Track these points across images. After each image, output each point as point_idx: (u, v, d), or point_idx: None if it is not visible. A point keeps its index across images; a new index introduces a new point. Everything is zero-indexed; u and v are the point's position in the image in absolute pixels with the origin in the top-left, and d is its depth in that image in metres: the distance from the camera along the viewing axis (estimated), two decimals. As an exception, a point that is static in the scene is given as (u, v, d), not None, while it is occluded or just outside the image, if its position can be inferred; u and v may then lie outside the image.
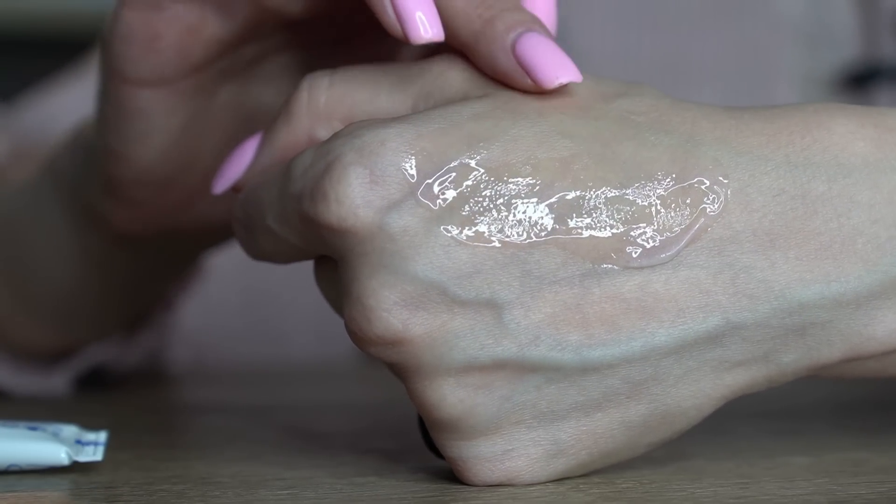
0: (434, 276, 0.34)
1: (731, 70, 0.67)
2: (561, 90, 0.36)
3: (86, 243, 0.51)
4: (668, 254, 0.35)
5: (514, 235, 0.35)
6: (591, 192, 0.35)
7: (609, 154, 0.35)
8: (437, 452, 0.37)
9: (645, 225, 0.35)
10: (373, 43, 0.42)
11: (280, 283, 0.71)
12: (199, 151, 0.45)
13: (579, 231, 0.35)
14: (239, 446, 0.44)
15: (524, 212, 0.35)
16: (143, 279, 0.54)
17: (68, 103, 0.65)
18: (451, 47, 0.38)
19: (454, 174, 0.35)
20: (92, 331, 0.56)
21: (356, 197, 0.34)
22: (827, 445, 0.42)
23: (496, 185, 0.35)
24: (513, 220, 0.35)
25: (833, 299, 0.36)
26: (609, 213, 0.35)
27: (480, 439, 0.36)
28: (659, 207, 0.35)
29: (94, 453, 0.40)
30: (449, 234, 0.34)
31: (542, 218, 0.35)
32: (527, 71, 0.36)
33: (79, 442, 0.40)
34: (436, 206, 0.34)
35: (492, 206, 0.35)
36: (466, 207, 0.34)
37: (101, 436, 0.41)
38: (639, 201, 0.35)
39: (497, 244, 0.35)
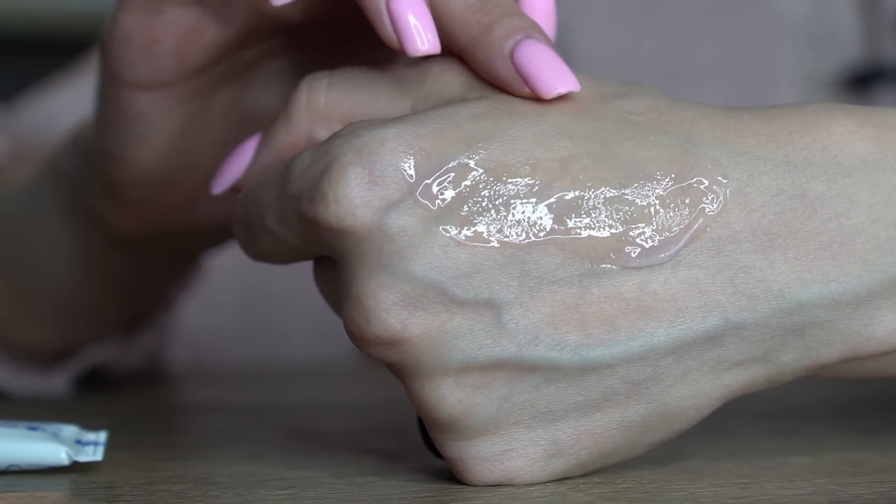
0: (433, 276, 0.34)
1: (732, 71, 0.67)
2: None
3: (85, 244, 0.51)
4: (666, 254, 0.35)
5: (513, 235, 0.35)
6: (590, 193, 0.35)
7: (608, 154, 0.35)
8: (437, 452, 0.37)
9: (644, 225, 0.35)
10: (370, 46, 0.42)
11: (280, 283, 0.71)
12: (197, 153, 0.45)
13: (578, 231, 0.35)
14: (239, 446, 0.44)
15: (523, 212, 0.35)
16: (143, 280, 0.54)
17: (67, 103, 0.65)
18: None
19: (453, 174, 0.35)
20: (91, 331, 0.56)
21: (355, 197, 0.34)
22: (827, 445, 0.42)
23: (495, 185, 0.35)
24: (511, 221, 0.35)
25: (832, 299, 0.36)
26: (608, 213, 0.35)
27: (479, 439, 0.36)
28: (658, 207, 0.35)
29: (94, 453, 0.40)
30: (448, 235, 0.34)
31: (540, 218, 0.35)
32: (525, 80, 0.36)
33: (79, 442, 0.40)
34: (434, 206, 0.34)
35: (490, 206, 0.35)
36: (465, 207, 0.34)
37: (101, 436, 0.41)
38: (638, 201, 0.35)
39: (496, 244, 0.35)
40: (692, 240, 0.35)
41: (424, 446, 0.38)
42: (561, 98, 0.36)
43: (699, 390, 0.36)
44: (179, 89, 0.42)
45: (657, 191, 0.35)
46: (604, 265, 0.35)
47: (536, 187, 0.35)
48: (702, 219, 0.35)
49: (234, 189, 0.40)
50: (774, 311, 0.35)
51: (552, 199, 0.35)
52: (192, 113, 0.44)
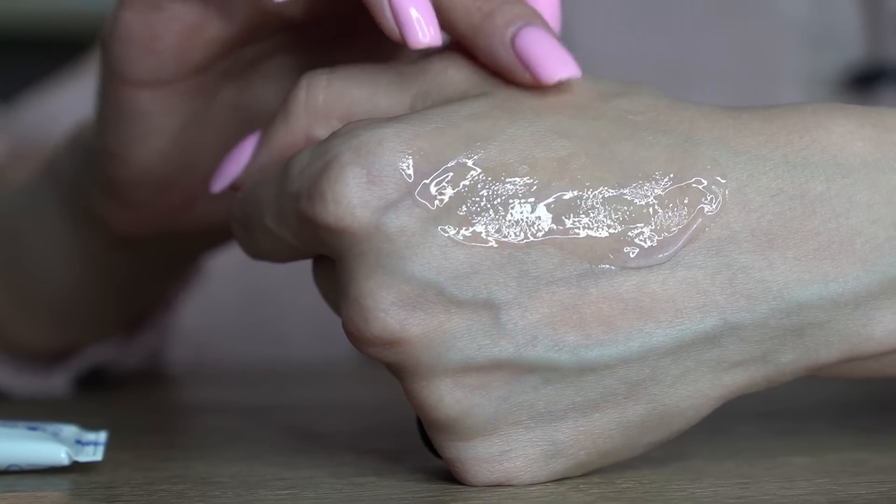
0: (431, 276, 0.34)
1: (734, 71, 0.67)
2: (559, 88, 0.36)
3: (84, 244, 0.51)
4: (665, 254, 0.35)
5: (512, 235, 0.35)
6: (589, 192, 0.35)
7: (606, 154, 0.35)
8: (436, 453, 0.37)
9: (642, 225, 0.35)
10: (373, 44, 0.42)
11: (280, 282, 0.71)
12: (198, 153, 0.45)
13: (576, 231, 0.35)
14: (239, 446, 0.44)
15: (521, 212, 0.35)
16: (143, 280, 0.54)
17: (68, 103, 0.65)
18: (450, 46, 0.38)
19: (451, 174, 0.35)
20: (91, 331, 0.56)
21: (353, 197, 0.34)
22: (827, 445, 0.42)
23: (493, 184, 0.35)
24: (510, 220, 0.35)
25: (831, 299, 0.35)
26: (606, 213, 0.35)
27: (478, 440, 0.36)
28: (657, 207, 0.35)
29: (94, 453, 0.40)
30: (446, 235, 0.34)
31: (539, 218, 0.35)
32: (526, 66, 0.36)
33: (79, 442, 0.40)
34: (433, 206, 0.34)
35: (489, 206, 0.35)
36: (463, 207, 0.34)
37: (101, 436, 0.41)
38: (636, 201, 0.35)
39: (494, 244, 0.34)
40: (691, 240, 0.35)
41: (424, 447, 0.38)
42: (559, 96, 0.36)
43: (698, 390, 0.36)
44: (180, 87, 0.42)
45: (656, 191, 0.35)
46: (602, 265, 0.35)
47: (535, 187, 0.35)
48: (700, 219, 0.35)
49: (234, 187, 0.40)
50: (773, 311, 0.35)
51: (550, 199, 0.35)
52: (194, 111, 0.43)
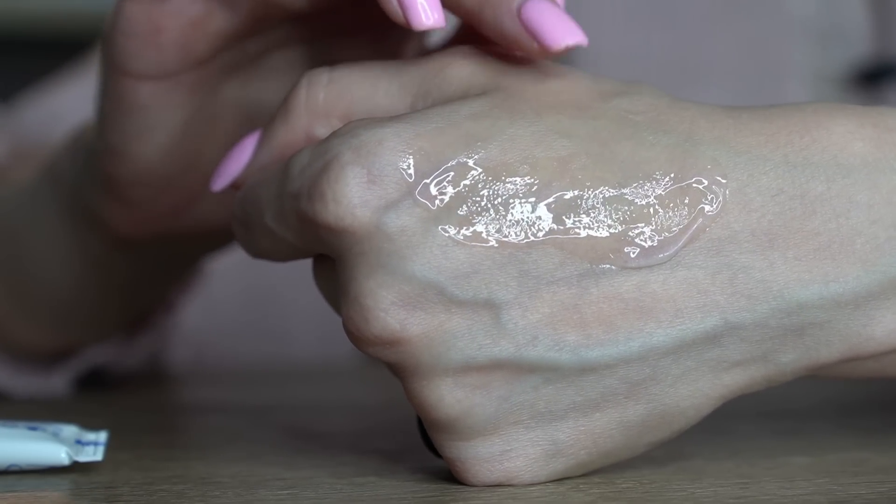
0: (431, 276, 0.34)
1: (741, 68, 0.67)
2: (559, 87, 0.36)
3: (84, 245, 0.51)
4: (666, 254, 0.35)
5: (512, 235, 0.35)
6: (589, 192, 0.35)
7: (607, 154, 0.35)
8: (437, 452, 0.37)
9: (643, 225, 0.35)
10: (377, 38, 0.42)
11: (282, 281, 0.71)
12: (200, 151, 0.45)
13: (577, 231, 0.35)
14: (239, 446, 0.44)
15: (522, 211, 0.35)
16: (143, 282, 0.54)
17: (71, 101, 0.65)
18: (455, 42, 0.38)
19: (452, 174, 0.35)
20: (90, 332, 0.56)
21: (353, 196, 0.34)
22: (827, 445, 0.42)
23: (494, 184, 0.35)
24: (510, 220, 0.35)
25: (831, 299, 0.35)
26: (607, 212, 0.35)
27: (478, 440, 0.36)
28: (657, 207, 0.35)
29: (94, 453, 0.40)
30: (446, 234, 0.34)
31: (539, 218, 0.35)
32: (533, 35, 0.36)
33: (79, 442, 0.40)
34: (433, 205, 0.34)
35: (489, 205, 0.35)
36: (464, 207, 0.34)
37: (101, 436, 0.41)
38: (637, 201, 0.35)
39: (494, 244, 0.34)
40: (691, 240, 0.35)
41: (424, 446, 0.38)
42: (560, 96, 0.36)
43: (698, 390, 0.36)
44: (183, 80, 0.42)
45: (656, 191, 0.35)
46: (603, 265, 0.35)
47: (535, 187, 0.35)
48: (701, 219, 0.35)
49: (234, 186, 0.40)
50: (774, 311, 0.35)
51: (551, 199, 0.35)
52: (196, 107, 0.43)
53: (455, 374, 0.35)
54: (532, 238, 0.35)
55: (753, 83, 0.67)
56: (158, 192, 0.46)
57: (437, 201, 0.34)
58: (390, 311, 0.34)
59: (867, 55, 0.66)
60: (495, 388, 0.35)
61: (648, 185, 0.35)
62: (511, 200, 0.35)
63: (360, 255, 0.35)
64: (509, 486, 0.36)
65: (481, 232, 0.34)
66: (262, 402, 0.57)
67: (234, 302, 0.72)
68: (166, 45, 0.41)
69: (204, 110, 0.44)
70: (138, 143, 0.44)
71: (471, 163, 0.35)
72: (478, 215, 0.34)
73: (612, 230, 0.35)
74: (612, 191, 0.35)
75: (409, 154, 0.35)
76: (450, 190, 0.35)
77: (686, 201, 0.35)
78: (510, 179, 0.35)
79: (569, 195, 0.35)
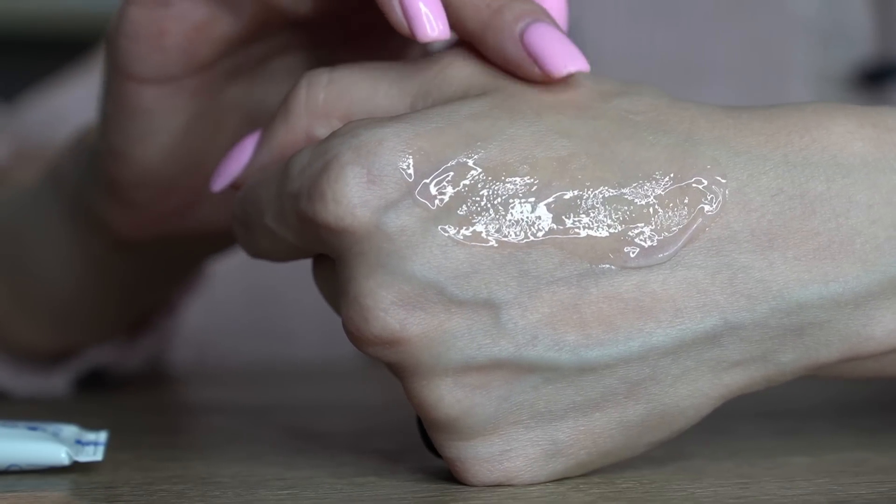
0: (431, 275, 0.34)
1: (743, 67, 0.67)
2: (564, 83, 0.36)
3: (86, 247, 0.51)
4: (665, 254, 0.35)
5: (512, 235, 0.35)
6: (589, 192, 0.35)
7: (607, 154, 0.35)
8: (437, 452, 0.37)
9: (643, 225, 0.35)
10: (380, 43, 0.42)
11: (284, 281, 0.71)
12: (202, 154, 0.45)
13: (577, 231, 0.35)
14: (239, 446, 0.44)
15: (521, 211, 0.35)
16: (144, 284, 0.54)
17: (75, 101, 0.65)
18: (455, 43, 0.38)
19: (452, 174, 0.35)
20: (91, 333, 0.56)
21: (353, 196, 0.34)
22: (827, 445, 0.42)
23: (494, 184, 0.35)
24: (510, 220, 0.35)
25: (831, 299, 0.35)
26: (607, 212, 0.35)
27: (478, 440, 0.36)
28: (657, 207, 0.35)
29: (94, 453, 0.40)
30: (446, 234, 0.34)
31: (539, 218, 0.35)
32: (535, 60, 0.36)
33: (79, 442, 0.40)
34: (433, 205, 0.34)
35: (489, 205, 0.35)
36: (464, 207, 0.34)
37: (101, 436, 0.41)
38: (637, 201, 0.35)
39: (494, 244, 0.34)
40: (691, 240, 0.35)
41: (424, 446, 0.38)
42: (560, 96, 0.36)
43: (698, 390, 0.36)
44: (186, 84, 0.42)
45: (656, 190, 0.35)
46: (603, 265, 0.35)
47: (535, 187, 0.35)
48: (701, 219, 0.35)
49: (234, 186, 0.40)
50: (773, 311, 0.35)
51: (551, 199, 0.35)
52: (198, 110, 0.43)
53: (455, 373, 0.35)
54: (532, 238, 0.35)
55: (756, 83, 0.67)
56: (160, 195, 0.46)
57: (436, 201, 0.34)
58: (390, 310, 0.34)
59: (870, 55, 0.66)
60: (495, 387, 0.35)
61: (648, 184, 0.35)
62: (511, 200, 0.35)
63: (360, 255, 0.35)
64: (509, 486, 0.36)
65: (481, 232, 0.34)
66: (263, 402, 0.57)
67: (237, 302, 0.72)
68: (170, 49, 0.41)
69: (206, 114, 0.44)
70: (141, 145, 0.44)
71: (470, 163, 0.35)
72: (477, 215, 0.34)
73: (611, 230, 0.35)
74: (611, 191, 0.35)
75: (409, 154, 0.35)
76: (449, 190, 0.35)
77: (686, 201, 0.35)
78: (510, 179, 0.35)
79: (568, 195, 0.35)
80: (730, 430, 0.43)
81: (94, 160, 0.47)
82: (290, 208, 0.36)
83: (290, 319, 0.72)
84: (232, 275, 0.70)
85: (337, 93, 0.38)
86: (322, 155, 0.35)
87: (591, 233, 0.35)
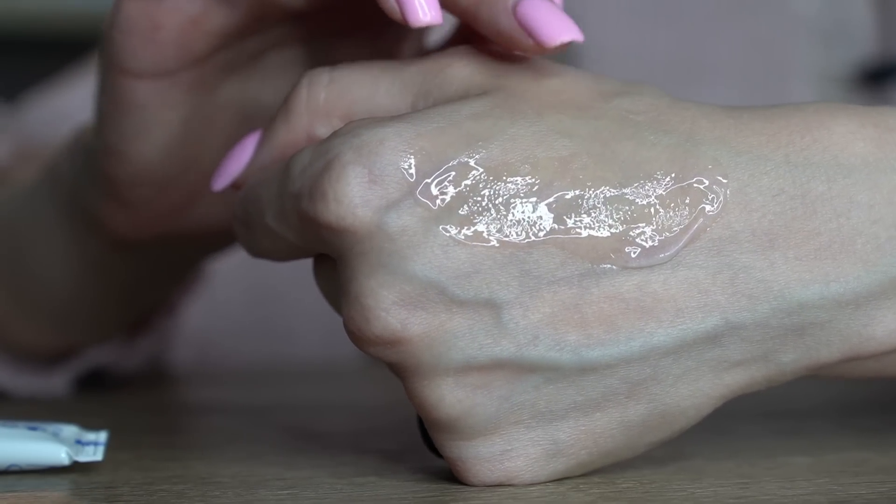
0: (432, 275, 0.34)
1: (745, 67, 0.67)
2: (560, 87, 0.36)
3: (83, 247, 0.51)
4: (666, 254, 0.35)
5: (513, 235, 0.35)
6: (590, 192, 0.35)
7: (608, 153, 0.35)
8: (437, 452, 0.37)
9: (644, 225, 0.35)
10: (375, 36, 0.42)
11: (285, 281, 0.70)
12: (198, 150, 0.45)
13: (578, 231, 0.35)
14: (239, 446, 0.44)
15: (523, 211, 0.35)
16: (143, 284, 0.54)
17: (78, 100, 0.65)
18: (455, 43, 0.38)
19: (453, 173, 0.35)
20: (90, 333, 0.56)
21: (355, 196, 0.34)
22: (828, 445, 0.42)
23: (495, 184, 0.35)
24: (511, 220, 0.35)
25: (832, 299, 0.35)
26: (608, 212, 0.35)
27: (479, 439, 0.36)
28: (658, 207, 0.35)
29: (94, 453, 0.40)
30: (447, 234, 0.34)
31: (540, 217, 0.35)
32: (528, 31, 0.36)
33: (79, 442, 0.40)
34: (434, 205, 0.34)
35: (490, 205, 0.35)
36: (465, 207, 0.34)
37: (101, 436, 0.41)
38: (638, 201, 0.35)
39: (495, 244, 0.34)
40: (692, 240, 0.35)
41: (425, 446, 0.38)
42: (561, 96, 0.36)
43: (699, 390, 0.36)
44: (181, 79, 0.42)
45: (657, 190, 0.35)
46: (604, 265, 0.35)
47: (536, 186, 0.35)
48: (702, 219, 0.35)
49: (235, 186, 0.40)
50: (774, 311, 0.35)
51: (552, 199, 0.35)
52: (194, 106, 0.43)
53: (456, 373, 0.35)
54: (533, 238, 0.35)
55: (757, 82, 0.67)
56: (157, 193, 0.46)
57: (438, 201, 0.34)
58: (391, 310, 0.34)
59: (871, 55, 0.66)
60: (496, 387, 0.35)
61: (649, 184, 0.35)
62: (512, 200, 0.35)
63: (361, 255, 0.35)
64: (510, 485, 0.36)
65: (482, 232, 0.34)
66: (263, 402, 0.57)
67: (238, 302, 0.72)
68: (165, 43, 0.41)
69: (202, 109, 0.44)
70: (137, 142, 0.44)
71: (472, 162, 0.35)
72: (479, 215, 0.34)
73: (613, 230, 0.35)
74: (613, 190, 0.35)
75: (411, 154, 0.35)
76: (451, 190, 0.35)
77: (687, 201, 0.35)
78: (511, 179, 0.35)
79: (570, 195, 0.35)
80: (730, 430, 0.43)
81: (91, 158, 0.47)
82: (292, 208, 0.36)
83: (291, 319, 0.72)
84: (232, 274, 0.70)
85: (338, 92, 0.38)
86: (323, 154, 0.35)
87: (593, 233, 0.35)
